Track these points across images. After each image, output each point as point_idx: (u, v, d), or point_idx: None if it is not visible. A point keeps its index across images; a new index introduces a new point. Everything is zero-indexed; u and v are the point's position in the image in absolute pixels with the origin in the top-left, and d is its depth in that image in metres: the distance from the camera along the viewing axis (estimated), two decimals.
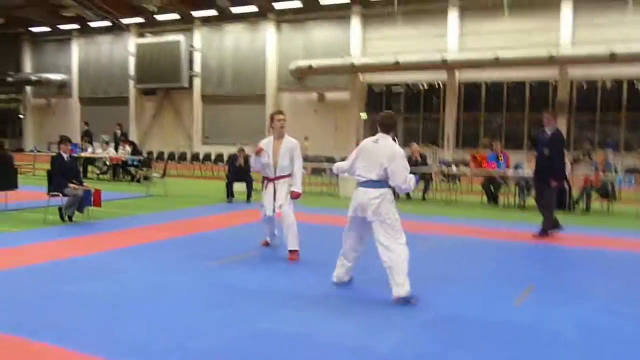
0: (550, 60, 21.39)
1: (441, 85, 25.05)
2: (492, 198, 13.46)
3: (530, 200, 12.85)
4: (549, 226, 8.95)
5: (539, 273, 6.62)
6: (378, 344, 4.17)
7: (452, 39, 23.92)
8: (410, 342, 4.26)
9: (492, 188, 13.46)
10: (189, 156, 23.05)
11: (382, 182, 5.31)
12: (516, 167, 13.89)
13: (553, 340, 4.32)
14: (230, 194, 12.76)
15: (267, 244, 7.70)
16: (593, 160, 12.21)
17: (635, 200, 12.16)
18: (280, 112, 7.27)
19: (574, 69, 22.37)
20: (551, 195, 9.13)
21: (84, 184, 9.84)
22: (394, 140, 5.45)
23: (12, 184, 10.58)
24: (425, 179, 14.29)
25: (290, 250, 6.99)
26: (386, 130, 5.48)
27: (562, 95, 22.72)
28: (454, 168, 14.42)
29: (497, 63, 22.04)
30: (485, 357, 3.97)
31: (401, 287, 5.14)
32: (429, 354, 4.02)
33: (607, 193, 12.32)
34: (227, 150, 19.59)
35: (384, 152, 5.30)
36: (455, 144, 24.65)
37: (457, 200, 13.71)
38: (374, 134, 5.56)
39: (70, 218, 9.36)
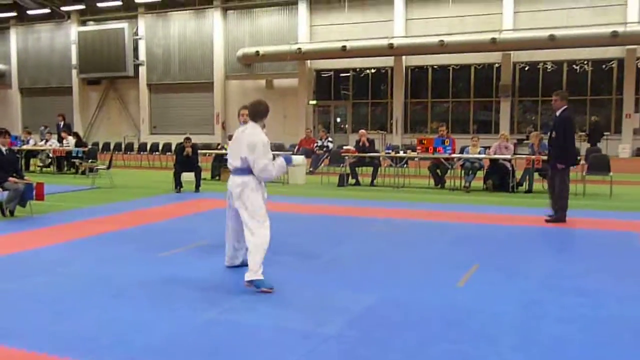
0: (493, 44, 21.83)
1: (389, 71, 25.26)
2: (439, 181, 13.71)
3: (476, 183, 13.17)
4: (562, 215, 8.65)
5: (483, 253, 6.79)
6: (324, 329, 4.23)
7: (398, 25, 24.14)
8: (356, 325, 4.32)
9: (438, 172, 13.71)
10: (136, 146, 22.63)
11: (244, 170, 5.28)
12: (462, 150, 14.18)
13: (495, 321, 4.44)
14: (178, 184, 12.61)
15: None
16: (530, 142, 12.57)
17: (574, 180, 12.57)
18: (244, 107, 7.19)
19: (517, 52, 22.91)
20: (563, 180, 8.71)
21: (25, 177, 9.57)
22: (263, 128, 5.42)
23: None
24: (374, 164, 14.44)
25: None
26: (254, 119, 5.41)
27: (506, 78, 23.25)
28: (401, 152, 14.60)
29: (442, 48, 22.36)
30: (429, 340, 4.06)
31: (253, 272, 5.13)
32: (374, 337, 4.09)
33: (547, 173, 12.70)
34: (175, 140, 19.31)
35: (246, 140, 5.25)
36: (404, 129, 24.96)
37: (405, 184, 13.91)
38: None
39: (11, 213, 9.09)
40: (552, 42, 20.94)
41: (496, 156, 12.92)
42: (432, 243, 7.46)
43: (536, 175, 12.73)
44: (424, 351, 3.84)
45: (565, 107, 8.70)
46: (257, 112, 5.43)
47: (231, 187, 5.39)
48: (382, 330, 4.22)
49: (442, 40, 22.17)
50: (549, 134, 9.13)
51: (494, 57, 23.26)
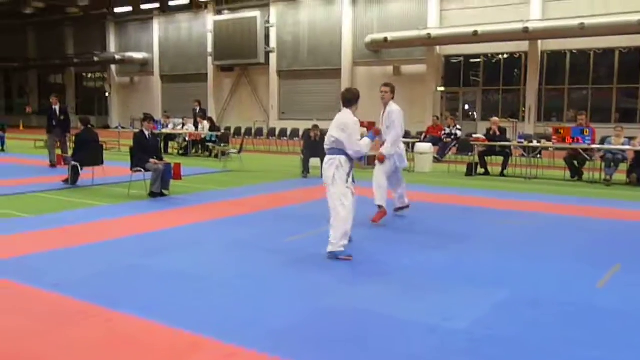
0: None
1: (522, 56, 24.11)
2: (577, 173, 12.90)
3: (618, 176, 12.26)
4: None
5: (626, 252, 6.29)
6: (452, 323, 4.09)
7: (534, 7, 22.88)
8: (485, 322, 4.14)
9: (576, 163, 12.90)
10: (265, 131, 23.34)
11: (333, 150, 5.88)
12: (602, 141, 13.23)
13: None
14: (305, 169, 12.84)
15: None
16: None
17: None
18: (384, 85, 7.98)
19: None
20: None
21: (164, 159, 10.15)
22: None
23: (98, 160, 11.06)
24: (504, 153, 13.86)
25: (378, 206, 7.53)
26: (346, 105, 6.04)
27: None
28: (534, 142, 13.90)
29: (582, 31, 20.94)
30: (565, 342, 3.81)
31: (332, 245, 5.74)
32: (504, 336, 3.90)
33: None
34: (302, 126, 19.68)
35: (337, 123, 5.90)
36: (537, 118, 23.75)
37: (538, 175, 13.23)
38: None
39: (160, 194, 9.60)
40: None
41: None
42: (568, 239, 7.02)
43: None
44: (557, 355, 3.61)
45: None
46: (347, 99, 6.06)
47: (323, 165, 6.00)
48: (513, 329, 4.01)
49: (582, 23, 20.75)
50: None
51: None
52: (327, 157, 5.91)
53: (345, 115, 5.92)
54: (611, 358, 3.56)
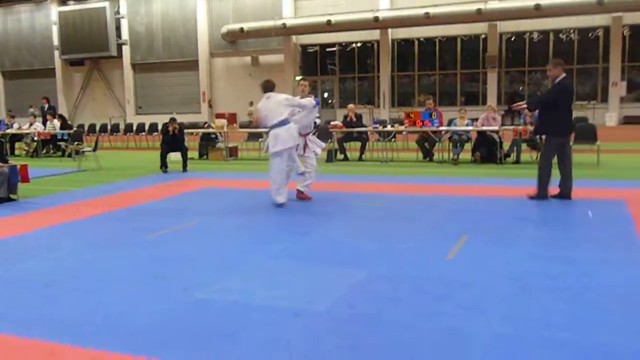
0: (479, 15, 21.70)
1: (375, 44, 25.09)
2: (428, 155, 13.71)
3: (464, 155, 13.18)
4: (541, 190, 8.16)
5: (471, 225, 6.80)
6: (313, 306, 4.22)
7: None
8: (345, 302, 4.32)
9: (426, 145, 13.70)
10: (122, 127, 22.45)
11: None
12: (449, 123, 14.16)
13: (485, 293, 4.45)
14: (164, 164, 12.52)
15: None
16: (522, 114, 12.56)
17: None
18: (302, 79, 8.97)
19: (503, 23, 22.80)
20: (546, 151, 8.18)
21: (9, 161, 9.46)
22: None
23: None
24: (362, 139, 14.40)
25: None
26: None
27: (492, 49, 23.17)
28: (388, 127, 14.57)
29: (428, 20, 22.21)
30: (419, 314, 4.07)
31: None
32: (364, 313, 4.10)
33: (535, 144, 12.74)
34: (161, 120, 19.15)
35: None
36: (392, 103, 24.88)
37: (393, 158, 13.90)
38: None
39: (7, 199, 8.92)
40: (538, 12, 20.85)
41: (483, 128, 12.92)
42: (421, 216, 7.46)
43: (524, 145, 12.78)
44: (414, 325, 3.85)
45: (563, 75, 7.96)
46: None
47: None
48: (372, 306, 4.22)
49: (427, 12, 22.02)
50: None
51: (480, 28, 23.16)
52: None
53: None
54: (461, 323, 3.85)
